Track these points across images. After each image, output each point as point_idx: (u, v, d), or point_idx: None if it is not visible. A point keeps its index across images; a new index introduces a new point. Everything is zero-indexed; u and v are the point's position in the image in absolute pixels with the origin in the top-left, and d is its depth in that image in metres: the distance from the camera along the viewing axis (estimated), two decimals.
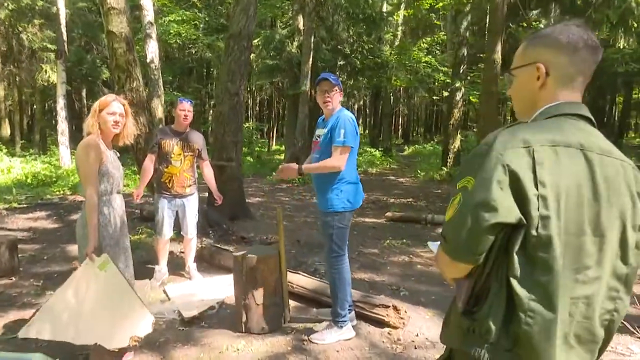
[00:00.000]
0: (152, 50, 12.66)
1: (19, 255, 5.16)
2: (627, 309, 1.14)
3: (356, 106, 32.54)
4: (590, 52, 1.15)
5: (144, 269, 5.04)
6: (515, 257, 1.02)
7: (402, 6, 19.63)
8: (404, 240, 6.24)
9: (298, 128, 12.97)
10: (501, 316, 1.05)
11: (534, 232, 1.00)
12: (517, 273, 1.02)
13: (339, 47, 15.29)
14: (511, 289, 1.03)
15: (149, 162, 4.48)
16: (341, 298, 3.31)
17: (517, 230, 1.02)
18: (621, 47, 10.16)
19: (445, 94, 17.47)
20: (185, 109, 4.44)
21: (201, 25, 17.69)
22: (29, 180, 12.21)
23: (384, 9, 18.62)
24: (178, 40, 17.11)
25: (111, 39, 5.54)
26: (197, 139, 4.57)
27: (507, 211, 0.99)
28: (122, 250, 3.01)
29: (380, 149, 20.22)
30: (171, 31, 15.97)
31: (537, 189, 1.00)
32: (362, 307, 3.58)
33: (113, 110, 2.89)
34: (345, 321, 3.33)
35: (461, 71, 13.49)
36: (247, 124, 20.19)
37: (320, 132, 3.35)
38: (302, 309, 3.91)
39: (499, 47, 7.37)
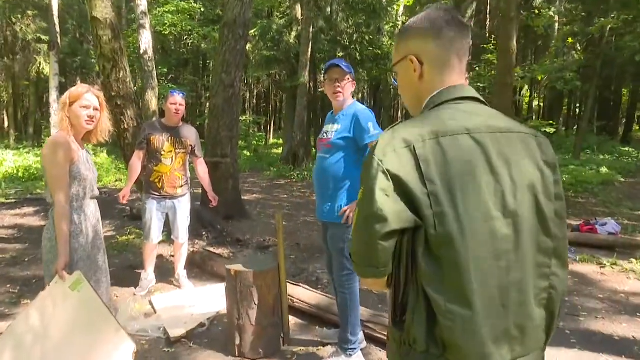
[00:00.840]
0: (146, 41, 12.24)
1: None
2: (566, 283, 1.08)
3: (355, 99, 32.07)
4: (455, 30, 1.12)
5: (131, 274, 4.65)
6: (422, 260, 0.99)
7: None
8: None
9: (296, 121, 12.53)
10: (424, 323, 1.01)
11: (432, 231, 0.97)
12: (427, 276, 0.99)
13: (338, 38, 14.82)
14: (427, 293, 0.99)
15: (137, 160, 4.07)
16: (352, 323, 2.90)
17: (418, 232, 0.99)
18: None
19: None
20: (177, 102, 4.02)
21: (197, 16, 17.23)
22: (20, 174, 11.78)
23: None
24: (173, 31, 16.67)
25: (95, 25, 5.09)
26: (190, 135, 4.16)
27: (398, 217, 0.98)
28: (95, 266, 2.59)
29: None
30: (166, 22, 15.52)
31: (425, 187, 0.98)
32: (373, 328, 3.16)
33: (86, 103, 2.48)
34: (355, 349, 2.92)
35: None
36: (243, 117, 19.75)
37: (330, 128, 2.93)
38: (304, 326, 3.51)
39: (514, 34, 6.92)
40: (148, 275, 4.28)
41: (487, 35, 15.77)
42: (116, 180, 11.14)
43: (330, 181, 2.85)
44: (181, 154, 4.11)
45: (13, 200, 8.86)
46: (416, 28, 1.16)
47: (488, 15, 16.88)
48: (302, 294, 3.69)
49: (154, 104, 11.85)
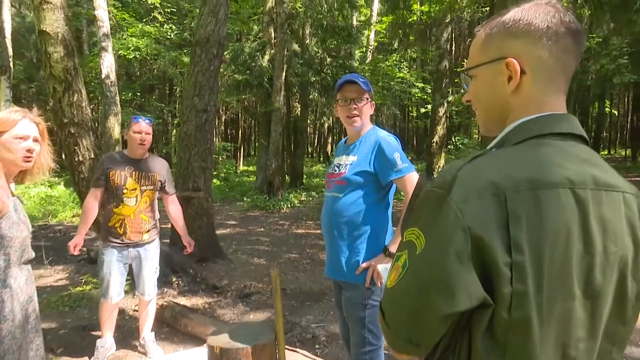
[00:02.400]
0: (108, 65, 11.50)
1: None
2: None
3: (326, 125, 31.78)
4: (574, 39, 0.87)
5: (85, 337, 3.82)
6: (481, 344, 0.78)
7: (374, 19, 19.04)
8: None
9: (271, 149, 11.86)
10: None
11: (504, 314, 0.75)
12: None
13: (311, 62, 14.39)
14: None
15: (93, 200, 3.32)
16: None
17: (482, 309, 0.76)
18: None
19: (423, 110, 16.83)
20: (142, 130, 3.31)
21: (164, 40, 16.54)
22: None
23: (354, 22, 17.95)
24: (138, 56, 15.90)
25: (44, 40, 4.35)
26: (159, 168, 3.45)
27: (467, 295, 0.74)
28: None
29: None
30: (130, 45, 14.77)
31: (510, 256, 0.74)
32: None
33: (22, 132, 1.80)
34: None
35: (443, 85, 12.78)
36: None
37: (343, 160, 2.28)
38: None
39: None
40: (106, 342, 3.46)
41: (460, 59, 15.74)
42: (73, 216, 10.12)
43: (345, 228, 2.20)
44: (148, 192, 3.38)
45: None
46: (526, 24, 0.87)
47: (464, 39, 16.91)
48: None
49: (116, 132, 11.02)
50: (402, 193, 2.19)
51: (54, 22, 4.34)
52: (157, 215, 3.52)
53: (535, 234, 0.76)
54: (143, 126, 3.33)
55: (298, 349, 3.15)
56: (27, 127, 1.81)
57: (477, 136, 26.84)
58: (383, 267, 1.25)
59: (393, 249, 2.10)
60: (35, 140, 1.84)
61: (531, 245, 0.75)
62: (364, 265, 2.14)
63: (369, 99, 2.28)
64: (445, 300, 0.76)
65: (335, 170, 2.29)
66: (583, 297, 0.81)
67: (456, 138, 17.64)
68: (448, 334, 0.83)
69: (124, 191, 3.29)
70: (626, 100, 25.38)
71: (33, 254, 1.92)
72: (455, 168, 0.82)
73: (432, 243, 0.78)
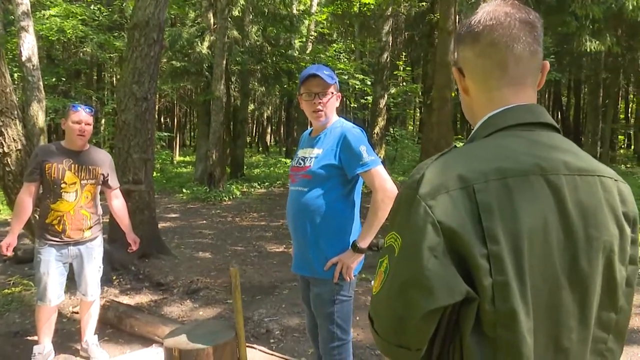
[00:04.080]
0: (29, 47, 10.57)
1: None
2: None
3: (265, 114, 31.45)
4: (524, 29, 0.87)
5: (18, 344, 3.53)
6: (470, 341, 0.76)
7: (314, 9, 18.95)
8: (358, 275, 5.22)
9: (211, 139, 11.51)
10: None
11: (488, 307, 0.74)
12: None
13: (252, 50, 14.10)
14: None
15: (26, 196, 3.05)
16: None
17: (467, 305, 0.75)
18: (588, 50, 10.27)
19: (362, 101, 17.05)
20: (82, 119, 3.06)
21: (92, 22, 15.50)
22: None
23: (294, 11, 17.79)
24: (62, 38, 14.81)
25: None
26: (101, 161, 3.22)
27: (448, 289, 0.73)
28: None
29: None
30: (53, 26, 13.68)
31: (485, 247, 0.73)
32: None
33: None
34: None
35: (384, 78, 12.99)
36: None
37: (308, 153, 2.22)
38: None
39: (452, 48, 6.64)
40: (44, 348, 3.20)
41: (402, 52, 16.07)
42: None
43: (311, 223, 2.16)
44: (89, 186, 3.15)
45: None
46: (458, 32, 0.97)
47: (401, 33, 17.26)
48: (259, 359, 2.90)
49: (40, 120, 10.20)
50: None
51: None
52: (100, 211, 3.29)
53: (510, 223, 0.75)
54: (83, 116, 3.08)
55: (255, 345, 3.07)
56: None
57: (412, 128, 27.69)
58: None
59: (362, 244, 2.08)
60: None
61: (507, 234, 0.75)
62: (333, 260, 2.11)
63: (335, 92, 2.22)
64: (424, 296, 0.74)
65: (300, 164, 2.22)
66: (570, 286, 0.80)
67: (394, 129, 18.07)
68: (440, 336, 0.81)
69: (62, 186, 3.04)
70: (547, 95, 27.15)
71: None
72: (423, 167, 0.82)
73: (406, 243, 0.78)
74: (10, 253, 3.02)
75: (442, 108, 6.65)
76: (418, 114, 29.51)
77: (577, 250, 0.80)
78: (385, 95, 13.11)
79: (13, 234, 3.04)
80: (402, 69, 16.01)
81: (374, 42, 15.02)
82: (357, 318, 3.94)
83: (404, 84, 17.71)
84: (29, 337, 3.60)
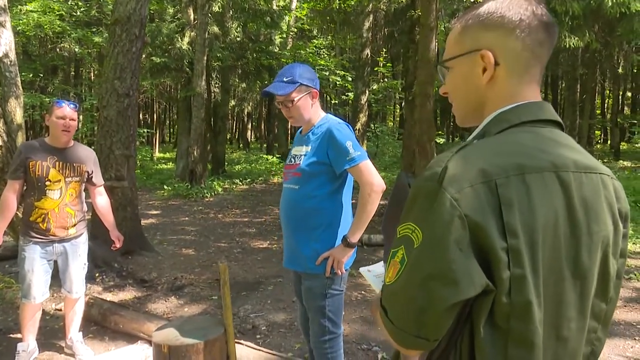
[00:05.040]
0: (6, 42, 10.30)
1: None
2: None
3: (246, 111, 31.27)
4: (546, 31, 0.90)
5: (2, 340, 3.51)
6: (483, 331, 0.78)
7: (294, 5, 18.91)
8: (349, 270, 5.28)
9: (193, 135, 11.44)
10: None
11: (504, 299, 0.76)
12: (485, 350, 0.78)
13: (232, 46, 14.02)
14: None
15: (11, 194, 3.02)
16: None
17: (483, 296, 0.77)
18: (567, 46, 10.38)
19: (344, 97, 17.11)
20: (67, 115, 3.04)
21: (69, 18, 15.20)
22: None
23: (274, 7, 17.72)
24: (40, 33, 14.49)
25: None
26: (86, 158, 3.20)
27: (471, 282, 0.74)
28: None
29: (277, 155, 19.24)
30: (31, 22, 13.39)
31: (505, 240, 0.75)
32: None
33: None
34: None
35: (365, 74, 13.06)
36: None
37: (298, 150, 2.27)
38: None
39: (434, 44, 6.79)
40: (28, 346, 3.18)
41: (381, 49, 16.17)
42: None
43: (302, 219, 2.21)
44: (74, 184, 3.13)
45: None
46: (499, 16, 0.90)
47: (381, 29, 17.35)
48: (246, 357, 2.93)
49: (18, 117, 9.98)
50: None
51: None
52: (85, 208, 3.28)
53: (527, 218, 0.78)
54: (67, 111, 3.06)
55: (242, 341, 3.11)
56: None
57: (392, 124, 27.86)
58: (365, 270, 1.24)
59: (352, 238, 2.13)
60: None
61: (525, 229, 0.77)
62: (324, 255, 2.16)
63: (302, 94, 2.19)
64: (450, 289, 0.75)
65: (292, 162, 2.27)
66: (572, 278, 0.84)
67: (375, 125, 18.19)
68: (451, 327, 0.83)
69: (47, 183, 3.02)
70: None
71: None
72: (443, 160, 0.83)
73: (431, 235, 0.78)
74: None
75: (424, 104, 6.72)
76: (398, 110, 29.75)
77: (580, 244, 0.84)
78: (367, 92, 13.20)
79: None
80: (382, 65, 16.13)
81: (354, 38, 15.06)
82: (344, 313, 4.01)
83: (385, 80, 17.83)
84: (11, 335, 3.58)
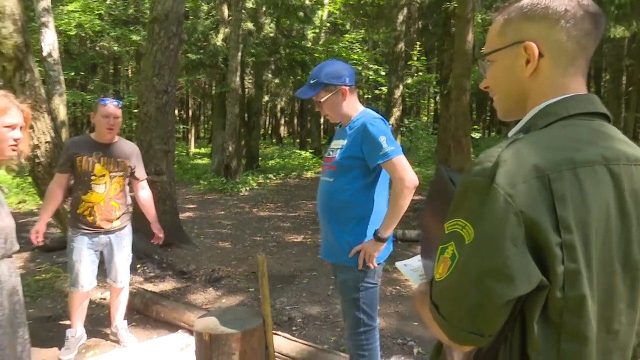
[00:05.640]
0: (50, 42, 10.75)
1: None
2: None
3: (279, 106, 31.49)
4: (592, 22, 0.88)
5: (51, 328, 3.67)
6: (535, 326, 0.77)
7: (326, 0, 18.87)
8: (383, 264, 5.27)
9: (228, 131, 11.63)
10: None
11: (558, 294, 0.75)
12: (537, 345, 0.77)
13: (266, 41, 14.14)
14: None
15: (57, 187, 3.17)
16: None
17: (537, 292, 0.76)
18: (612, 36, 10.05)
19: (377, 92, 16.99)
20: (111, 113, 3.16)
21: (107, 17, 15.66)
22: None
23: (307, 2, 17.74)
24: (80, 32, 14.99)
25: None
26: (129, 153, 3.32)
27: (527, 278, 0.74)
28: (15, 351, 1.78)
29: (310, 150, 19.32)
30: (72, 22, 13.88)
31: (559, 235, 0.75)
32: None
33: (11, 121, 1.68)
34: None
35: (399, 68, 12.93)
36: None
37: (335, 144, 2.30)
38: None
39: (470, 37, 6.68)
40: (76, 332, 3.34)
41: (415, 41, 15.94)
42: (19, 202, 9.56)
43: (336, 212, 2.23)
44: (118, 178, 3.25)
45: None
46: (542, 7, 0.88)
47: (415, 22, 17.10)
48: (282, 347, 2.99)
49: (62, 114, 10.40)
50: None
51: None
52: (129, 201, 3.41)
53: (580, 213, 0.77)
54: (111, 109, 3.18)
55: (278, 332, 3.17)
56: (15, 116, 1.70)
57: (426, 118, 27.47)
58: (402, 264, 1.24)
59: (384, 233, 2.14)
60: (22, 128, 1.74)
61: (578, 223, 0.77)
62: (357, 248, 2.18)
63: (333, 92, 2.23)
64: (505, 285, 0.75)
65: (329, 155, 2.30)
66: (622, 270, 0.83)
67: (409, 120, 17.99)
68: None
69: (92, 178, 3.15)
70: None
71: (18, 247, 1.83)
72: (494, 154, 0.81)
73: (484, 231, 0.77)
74: (39, 241, 3.13)
75: (460, 98, 6.61)
76: (433, 105, 29.30)
77: (630, 237, 0.83)
78: (401, 86, 13.06)
79: (42, 222, 3.14)
80: (417, 58, 15.93)
81: (387, 31, 14.91)
82: (378, 307, 4.02)
83: (419, 74, 17.61)
84: (61, 322, 3.75)
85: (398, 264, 1.27)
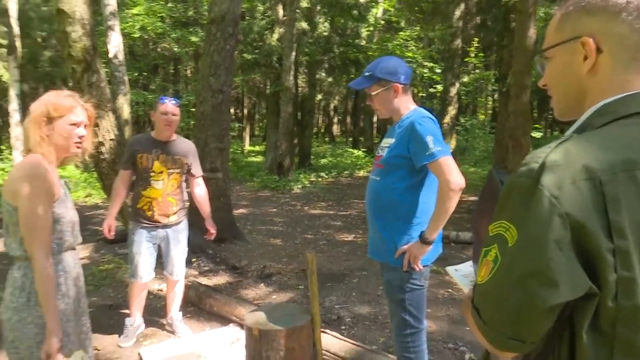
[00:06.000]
0: (116, 44, 11.36)
1: None
2: None
3: (332, 105, 31.57)
4: None
5: (112, 316, 3.87)
6: (585, 336, 0.72)
7: None
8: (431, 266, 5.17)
9: (281, 129, 11.80)
10: None
11: (610, 303, 0.70)
12: (588, 357, 0.72)
13: (320, 40, 14.21)
14: None
15: (121, 182, 3.34)
16: None
17: (587, 300, 0.72)
18: None
19: (431, 90, 16.65)
20: (169, 111, 3.29)
21: (167, 20, 16.32)
22: None
23: (361, 0, 17.64)
24: (144, 35, 15.71)
25: (62, 20, 4.30)
26: (186, 150, 3.43)
27: (572, 284, 0.70)
28: (82, 338, 1.90)
29: (362, 149, 19.24)
30: (136, 24, 14.58)
31: (611, 240, 0.70)
32: None
33: (76, 119, 1.77)
34: None
35: (455, 65, 12.60)
36: None
37: (384, 143, 2.28)
38: None
39: (531, 32, 6.38)
40: (134, 321, 3.50)
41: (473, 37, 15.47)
42: (87, 196, 10.17)
43: (382, 211, 2.21)
44: (175, 175, 3.37)
45: None
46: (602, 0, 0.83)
47: (472, 18, 16.61)
48: (331, 345, 2.99)
49: (126, 112, 10.95)
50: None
51: (72, 0, 4.28)
52: (185, 197, 3.53)
53: (636, 218, 0.72)
54: (170, 107, 3.30)
55: (327, 330, 3.17)
56: (80, 114, 1.80)
57: (484, 117, 26.62)
58: (452, 269, 1.20)
59: (429, 236, 2.09)
60: (87, 126, 1.84)
61: (633, 229, 0.72)
62: (402, 248, 2.14)
63: (383, 87, 2.20)
64: (548, 290, 0.72)
65: (378, 153, 2.28)
66: None
67: (465, 119, 17.51)
68: (549, 330, 0.79)
69: (151, 174, 3.29)
70: None
71: (81, 239, 1.94)
72: (541, 155, 0.78)
73: (527, 234, 0.74)
74: (112, 235, 3.31)
75: (520, 96, 6.34)
76: (490, 103, 28.36)
77: None
78: (457, 84, 12.72)
79: (110, 217, 3.32)
80: (474, 55, 15.46)
81: (444, 28, 14.57)
82: (429, 310, 3.94)
83: (477, 71, 17.09)
84: (121, 310, 3.94)
85: (449, 269, 1.24)
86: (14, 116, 14.10)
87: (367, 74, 2.22)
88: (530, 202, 0.74)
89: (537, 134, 15.25)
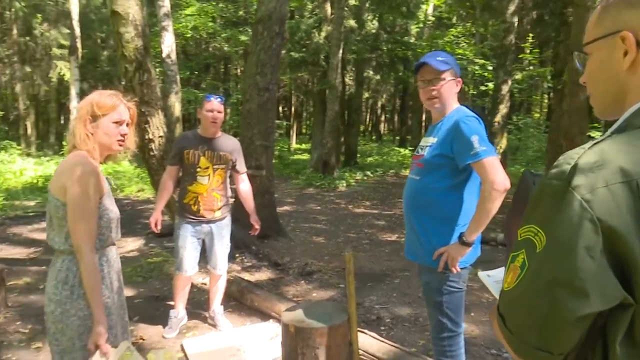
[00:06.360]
0: (169, 44, 11.76)
1: (10, 284, 4.27)
2: None
3: (380, 103, 31.32)
4: None
5: (158, 307, 4.01)
6: (619, 348, 0.69)
7: None
8: (469, 268, 5.02)
9: (327, 127, 11.82)
10: None
11: None
12: None
13: (367, 38, 14.12)
14: None
15: (168, 178, 3.45)
16: None
17: (621, 310, 0.68)
18: None
19: (483, 88, 16.16)
20: (214, 108, 3.36)
21: (218, 20, 16.73)
22: (40, 184, 11.31)
23: None
24: (195, 35, 16.19)
25: (116, 21, 4.48)
26: (231, 147, 3.50)
27: (603, 293, 0.67)
28: (125, 329, 1.98)
29: (409, 148, 18.97)
30: (189, 25, 15.05)
31: None
32: None
33: (119, 117, 1.83)
34: None
35: (507, 61, 12.16)
36: None
37: (425, 142, 2.22)
38: None
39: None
40: (178, 312, 3.61)
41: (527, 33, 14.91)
42: (139, 191, 10.59)
43: (421, 211, 2.15)
44: (220, 171, 3.44)
45: (31, 213, 8.32)
46: None
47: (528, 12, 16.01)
48: (369, 346, 2.96)
49: (177, 110, 11.33)
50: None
51: (125, 2, 4.46)
52: (229, 193, 3.60)
53: None
54: (215, 104, 3.37)
55: (365, 330, 3.14)
56: (123, 112, 1.86)
57: (538, 115, 25.59)
58: (485, 274, 1.16)
59: (469, 237, 2.02)
60: (129, 124, 1.90)
61: None
62: (440, 250, 2.08)
63: (451, 77, 2.14)
64: (578, 300, 0.68)
65: (418, 152, 2.23)
66: None
67: (518, 117, 16.87)
68: (580, 341, 0.75)
69: (197, 170, 3.37)
70: None
71: (120, 235, 2.01)
72: (574, 156, 0.74)
73: (556, 239, 0.71)
74: (159, 229, 3.42)
75: (576, 93, 6.02)
76: (546, 101, 27.22)
77: None
78: (509, 81, 12.27)
79: (157, 211, 3.44)
80: (529, 51, 14.87)
81: (496, 24, 14.10)
82: (472, 314, 3.83)
83: (531, 67, 16.45)
84: (167, 302, 4.07)
85: (481, 274, 1.19)
86: (75, 113, 14.93)
87: (440, 58, 2.13)
88: (561, 206, 0.71)
89: (595, 134, 14.50)
